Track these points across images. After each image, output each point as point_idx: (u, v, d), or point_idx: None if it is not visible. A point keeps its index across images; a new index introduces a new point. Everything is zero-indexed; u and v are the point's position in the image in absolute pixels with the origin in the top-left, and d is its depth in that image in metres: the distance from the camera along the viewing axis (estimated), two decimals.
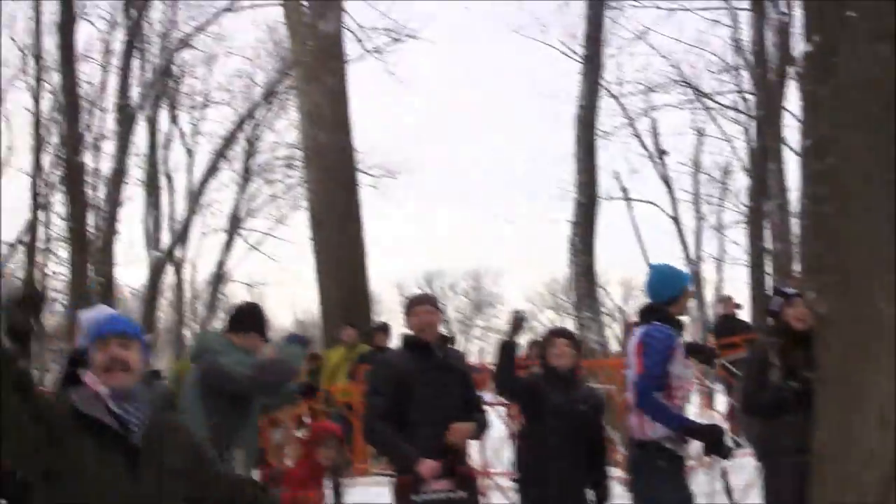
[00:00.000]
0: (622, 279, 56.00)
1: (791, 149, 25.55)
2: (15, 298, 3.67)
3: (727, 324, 15.19)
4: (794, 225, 24.49)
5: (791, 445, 6.55)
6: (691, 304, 6.98)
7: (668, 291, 6.81)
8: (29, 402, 3.63)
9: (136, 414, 3.92)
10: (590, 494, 6.78)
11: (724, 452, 6.61)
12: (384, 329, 15.40)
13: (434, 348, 6.53)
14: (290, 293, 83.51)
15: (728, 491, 6.85)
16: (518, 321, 6.79)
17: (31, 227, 30.12)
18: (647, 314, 6.84)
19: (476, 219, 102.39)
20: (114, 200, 27.10)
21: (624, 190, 39.07)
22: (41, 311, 3.52)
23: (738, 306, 16.26)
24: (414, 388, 6.34)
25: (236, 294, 53.12)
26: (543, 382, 6.71)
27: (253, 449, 6.35)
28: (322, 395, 13.17)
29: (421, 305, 6.65)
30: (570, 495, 6.62)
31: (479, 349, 56.31)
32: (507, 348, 6.68)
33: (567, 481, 6.59)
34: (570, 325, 45.47)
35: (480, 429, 6.68)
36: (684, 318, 6.97)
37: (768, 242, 25.46)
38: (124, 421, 3.87)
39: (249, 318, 6.60)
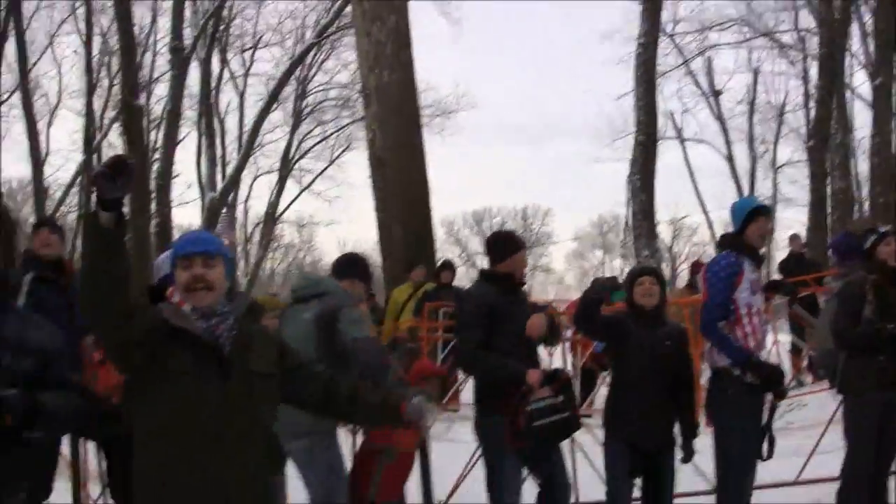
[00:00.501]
0: (671, 219, 55.64)
1: (851, 89, 25.35)
2: (106, 166, 3.66)
3: (795, 263, 15.12)
4: (855, 164, 24.38)
5: (877, 382, 6.62)
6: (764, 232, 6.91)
7: (736, 219, 6.87)
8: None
9: (223, 326, 4.02)
10: (676, 430, 6.81)
11: (780, 394, 6.68)
12: (450, 267, 15.50)
13: (519, 286, 6.76)
14: (340, 232, 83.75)
15: (769, 427, 6.85)
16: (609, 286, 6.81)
17: (87, 169, 30.34)
18: (719, 245, 7.02)
19: (525, 158, 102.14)
20: (170, 142, 27.18)
21: (678, 130, 38.89)
22: (131, 179, 3.55)
23: (805, 246, 16.21)
24: (502, 322, 6.47)
25: (287, 234, 53.75)
26: (628, 319, 6.74)
27: None
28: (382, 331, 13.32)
29: (520, 252, 6.79)
30: (656, 430, 6.65)
31: (527, 287, 56.33)
32: (592, 307, 6.68)
33: (652, 416, 6.63)
34: (619, 263, 45.33)
35: (555, 335, 6.98)
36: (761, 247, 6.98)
37: (828, 182, 25.23)
38: (212, 332, 3.98)
39: (355, 267, 6.74)
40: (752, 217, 6.80)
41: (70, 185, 36.04)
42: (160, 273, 5.35)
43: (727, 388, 6.61)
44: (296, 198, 46.60)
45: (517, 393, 6.35)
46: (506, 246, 6.79)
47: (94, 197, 3.71)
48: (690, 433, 6.87)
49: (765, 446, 6.68)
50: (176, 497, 3.86)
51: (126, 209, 3.82)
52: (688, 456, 6.81)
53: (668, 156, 45.85)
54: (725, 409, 6.65)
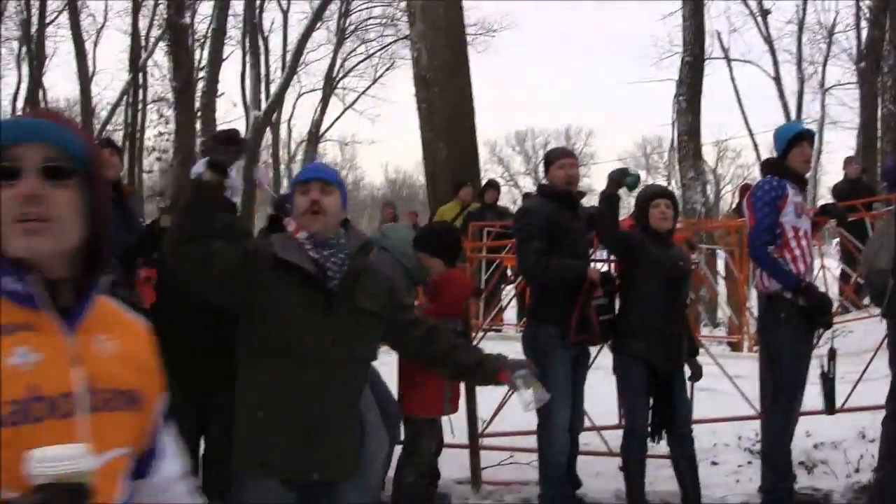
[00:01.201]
0: (716, 141, 55.18)
1: None
2: (218, 138, 3.89)
3: (850, 187, 14.96)
4: None
5: None
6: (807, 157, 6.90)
7: (779, 144, 6.89)
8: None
9: (334, 259, 4.14)
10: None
11: (827, 323, 6.66)
12: (495, 186, 15.53)
13: (577, 200, 6.82)
14: (382, 151, 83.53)
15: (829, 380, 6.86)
16: (619, 177, 6.76)
17: (134, 88, 30.45)
18: (762, 170, 7.04)
19: (568, 78, 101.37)
20: (215, 61, 27.15)
21: (725, 50, 38.41)
22: (242, 150, 3.92)
23: (864, 170, 16.03)
24: (560, 238, 6.59)
25: (330, 153, 53.84)
26: (642, 236, 6.74)
27: None
28: None
29: (567, 158, 6.87)
30: (672, 350, 6.66)
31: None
32: (611, 201, 6.70)
33: (668, 336, 6.64)
34: (663, 183, 45.20)
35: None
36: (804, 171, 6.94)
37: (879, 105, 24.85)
38: (322, 265, 4.11)
39: (440, 244, 6.67)
40: (796, 141, 6.78)
41: (116, 104, 36.14)
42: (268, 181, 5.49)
43: (780, 311, 6.64)
44: (339, 116, 46.78)
45: (583, 287, 6.53)
46: (551, 159, 6.93)
47: (202, 160, 4.10)
48: (695, 351, 6.98)
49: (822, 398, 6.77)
50: (271, 414, 4.10)
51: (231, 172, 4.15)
52: (696, 375, 6.85)
53: (714, 77, 45.17)
54: (779, 333, 6.68)
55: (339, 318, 4.11)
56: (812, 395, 6.85)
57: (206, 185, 3.96)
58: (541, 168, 47.01)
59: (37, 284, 1.98)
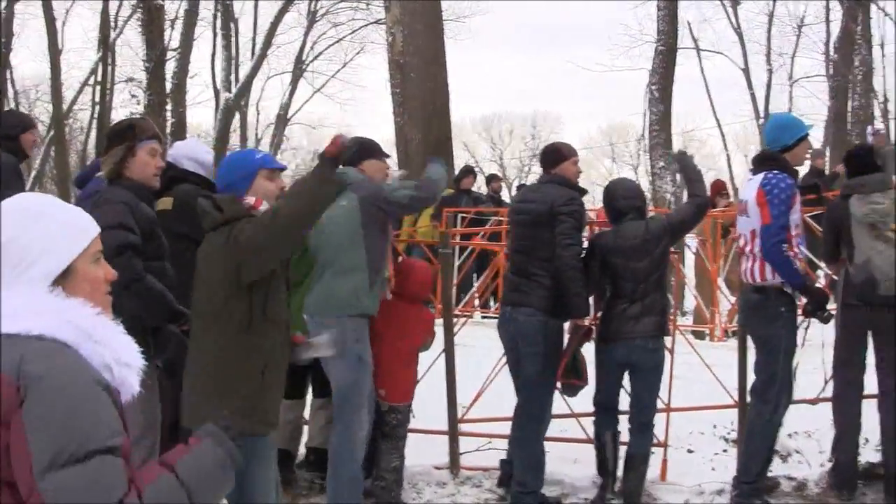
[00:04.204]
0: (682, 130, 55.28)
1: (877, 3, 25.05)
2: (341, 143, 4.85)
3: (817, 180, 15.04)
4: (878, 82, 24.17)
5: None
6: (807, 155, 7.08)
7: (787, 138, 6.86)
8: None
9: None
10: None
11: (824, 319, 6.74)
12: (472, 173, 15.61)
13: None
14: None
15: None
16: None
17: (103, 67, 30.19)
18: (763, 161, 6.90)
19: (535, 65, 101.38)
20: (186, 42, 26.98)
21: (695, 40, 38.54)
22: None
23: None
24: None
25: (298, 136, 53.68)
26: (609, 235, 6.97)
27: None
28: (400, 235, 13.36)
29: (577, 156, 7.13)
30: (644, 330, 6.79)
31: None
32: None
33: (639, 316, 6.79)
34: (627, 173, 45.20)
35: None
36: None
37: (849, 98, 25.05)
38: None
39: (363, 150, 6.73)
40: (804, 138, 6.83)
41: (84, 83, 35.80)
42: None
43: (780, 306, 6.71)
44: (308, 100, 46.53)
45: (582, 333, 6.74)
46: (563, 149, 7.13)
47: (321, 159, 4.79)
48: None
49: None
50: (272, 375, 4.77)
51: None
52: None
53: (682, 66, 45.41)
54: (778, 327, 6.73)
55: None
56: None
57: (330, 181, 4.71)
58: (507, 154, 46.67)
59: None
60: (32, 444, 2.35)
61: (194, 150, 6.79)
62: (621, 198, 6.97)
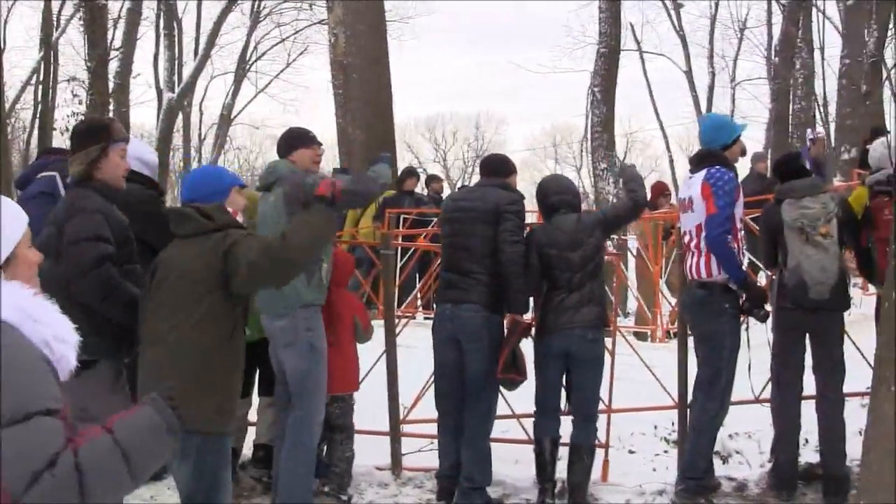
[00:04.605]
0: (625, 132, 55.61)
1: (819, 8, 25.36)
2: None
3: (759, 184, 15.17)
4: (818, 85, 24.43)
5: None
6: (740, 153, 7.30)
7: (724, 137, 7.07)
8: None
9: None
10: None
11: (761, 317, 6.83)
12: (415, 174, 15.57)
13: None
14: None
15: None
16: None
17: (45, 66, 29.89)
18: (704, 158, 7.02)
19: (479, 65, 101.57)
20: (129, 42, 26.72)
21: (638, 42, 38.79)
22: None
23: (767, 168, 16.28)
24: None
25: (241, 136, 53.44)
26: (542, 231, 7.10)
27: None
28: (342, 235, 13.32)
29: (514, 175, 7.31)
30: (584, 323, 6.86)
31: None
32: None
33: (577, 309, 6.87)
34: (570, 174, 45.46)
35: None
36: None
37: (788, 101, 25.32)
38: None
39: (292, 140, 6.86)
40: (738, 137, 7.08)
41: (26, 82, 35.35)
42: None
43: (724, 302, 6.83)
44: (251, 100, 46.35)
45: (521, 329, 6.84)
46: (507, 166, 7.29)
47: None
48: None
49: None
50: (241, 375, 5.11)
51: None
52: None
53: (625, 69, 45.65)
54: (722, 324, 6.84)
55: None
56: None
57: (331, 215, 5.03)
58: (451, 155, 46.69)
59: None
60: None
61: (140, 151, 6.73)
62: (553, 193, 7.08)
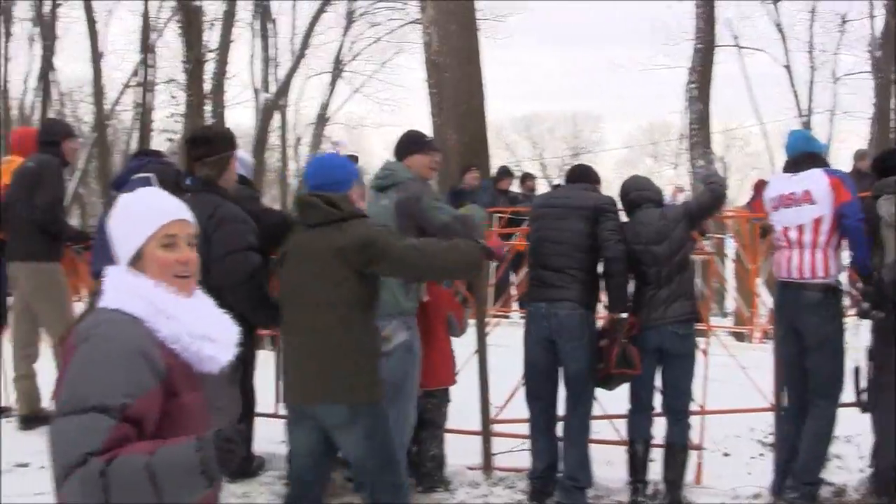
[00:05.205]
0: (724, 128, 54.85)
1: None
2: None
3: (862, 182, 14.88)
4: None
5: None
6: None
7: (815, 147, 7.05)
8: None
9: None
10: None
11: (880, 317, 6.70)
12: (510, 174, 15.55)
13: None
14: (390, 136, 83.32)
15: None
16: None
17: (144, 69, 30.39)
18: (803, 162, 6.93)
19: (575, 63, 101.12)
20: (224, 43, 27.10)
21: (735, 38, 38.24)
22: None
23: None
24: None
25: (338, 135, 53.88)
26: None
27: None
28: None
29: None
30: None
31: None
32: None
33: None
34: (668, 172, 45.03)
35: None
36: None
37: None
38: None
39: (409, 144, 6.92)
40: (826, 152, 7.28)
41: (126, 85, 35.97)
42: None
43: (839, 303, 6.86)
44: (347, 100, 46.68)
45: (628, 325, 6.81)
46: (595, 176, 7.36)
47: None
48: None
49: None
50: None
51: None
52: None
53: (723, 64, 44.99)
54: (838, 326, 6.84)
55: None
56: None
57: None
58: (547, 153, 46.60)
59: None
60: (61, 391, 2.83)
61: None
62: (633, 190, 7.14)
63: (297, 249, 5.24)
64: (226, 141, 5.94)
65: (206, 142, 5.91)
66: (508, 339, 8.31)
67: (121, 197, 3.22)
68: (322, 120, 43.67)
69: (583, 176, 7.26)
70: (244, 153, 7.19)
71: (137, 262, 3.08)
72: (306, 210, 5.24)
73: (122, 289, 3.01)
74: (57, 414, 2.78)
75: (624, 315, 6.84)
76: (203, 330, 3.04)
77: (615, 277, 6.76)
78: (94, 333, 2.87)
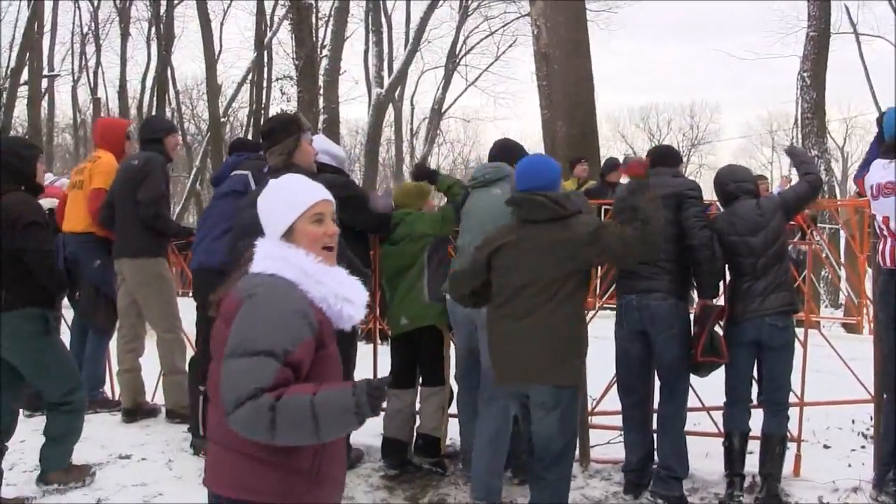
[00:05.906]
0: (844, 117, 53.78)
1: None
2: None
3: None
4: None
5: None
6: None
7: None
8: None
9: None
10: None
11: None
12: (618, 165, 15.45)
13: None
14: (505, 128, 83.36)
15: None
16: None
17: (258, 66, 30.88)
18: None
19: (692, 53, 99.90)
20: (337, 39, 27.39)
21: (853, 24, 37.46)
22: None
23: None
24: None
25: (454, 129, 54.11)
26: None
27: None
28: None
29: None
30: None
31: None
32: None
33: None
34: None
35: None
36: None
37: None
38: None
39: (507, 150, 7.15)
40: None
41: (241, 82, 36.63)
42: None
43: None
44: (461, 93, 46.82)
45: (717, 313, 6.82)
46: (678, 156, 7.39)
47: None
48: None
49: None
50: None
51: None
52: None
53: (842, 51, 43.98)
54: None
55: None
56: None
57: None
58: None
59: None
60: (230, 336, 3.30)
61: (326, 145, 7.31)
62: (731, 181, 7.03)
63: (520, 242, 5.72)
64: (284, 128, 6.22)
65: (269, 134, 6.25)
66: (606, 330, 8.33)
67: (271, 182, 3.75)
68: (437, 114, 43.91)
69: (662, 159, 7.18)
70: (333, 146, 7.33)
71: (290, 235, 3.58)
72: (531, 207, 5.71)
73: (277, 257, 3.50)
74: (229, 355, 3.26)
75: (713, 302, 6.82)
76: (345, 293, 3.55)
77: (703, 264, 6.73)
78: (258, 292, 3.36)
